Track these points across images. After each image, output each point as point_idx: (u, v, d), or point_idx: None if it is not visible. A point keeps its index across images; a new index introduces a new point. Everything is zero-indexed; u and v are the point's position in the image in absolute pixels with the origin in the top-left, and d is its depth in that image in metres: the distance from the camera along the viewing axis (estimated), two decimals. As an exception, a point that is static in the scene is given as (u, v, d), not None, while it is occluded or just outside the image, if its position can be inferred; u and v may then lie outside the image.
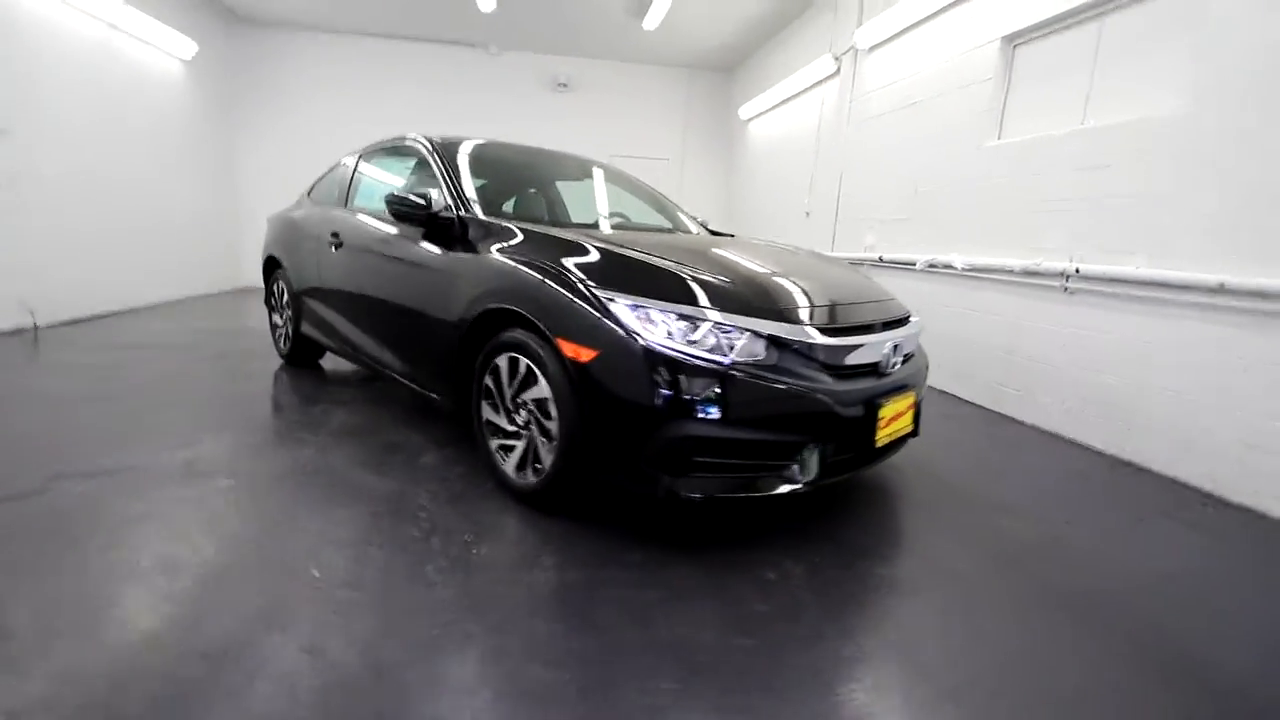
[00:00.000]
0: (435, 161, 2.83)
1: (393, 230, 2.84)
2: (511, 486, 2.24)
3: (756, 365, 1.84)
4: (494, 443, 2.31)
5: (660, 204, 3.55)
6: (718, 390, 1.79)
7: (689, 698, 1.36)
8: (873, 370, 2.09)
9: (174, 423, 2.87)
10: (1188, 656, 1.61)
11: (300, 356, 4.04)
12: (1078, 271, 3.26)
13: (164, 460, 2.43)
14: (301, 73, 8.45)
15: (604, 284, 1.94)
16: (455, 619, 1.57)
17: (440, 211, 2.54)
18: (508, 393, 2.21)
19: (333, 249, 3.31)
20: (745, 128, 8.66)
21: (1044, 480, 2.85)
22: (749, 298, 1.95)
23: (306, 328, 3.78)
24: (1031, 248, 3.63)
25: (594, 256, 2.10)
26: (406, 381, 2.81)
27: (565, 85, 8.88)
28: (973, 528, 2.29)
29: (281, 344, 4.16)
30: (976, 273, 4.01)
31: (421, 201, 2.52)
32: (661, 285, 1.93)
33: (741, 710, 1.33)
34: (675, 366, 1.78)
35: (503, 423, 2.26)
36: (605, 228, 3.03)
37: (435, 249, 2.55)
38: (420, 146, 2.97)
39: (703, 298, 1.90)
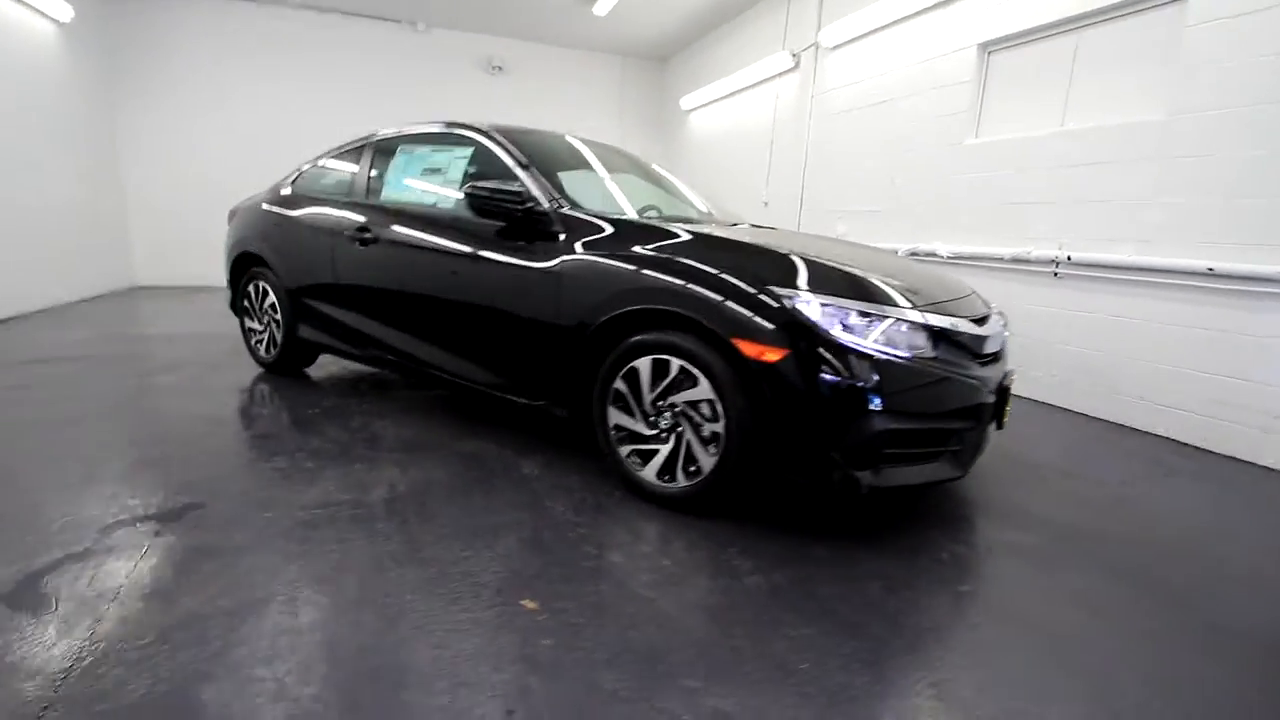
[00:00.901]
0: (508, 153, 2.63)
1: (460, 226, 2.63)
2: (651, 492, 2.17)
3: (926, 357, 1.93)
4: (626, 449, 2.23)
5: (680, 193, 3.51)
6: (903, 382, 1.86)
7: (1006, 688, 1.43)
8: (995, 357, 2.25)
9: (173, 459, 2.47)
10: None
11: (289, 363, 3.61)
12: (1069, 259, 3.69)
13: (235, 507, 2.10)
14: (198, 44, 7.39)
15: (782, 283, 1.93)
16: (719, 638, 1.52)
17: (535, 207, 2.39)
18: (647, 397, 2.14)
19: (357, 245, 2.97)
20: (686, 118, 8.76)
21: (1059, 443, 3.23)
22: (907, 292, 2.02)
23: (306, 331, 3.37)
24: (1017, 237, 4.04)
25: (755, 255, 2.08)
26: (486, 389, 2.61)
27: (500, 68, 8.47)
28: (1053, 492, 2.55)
29: (264, 350, 3.68)
30: (962, 260, 4.40)
31: (518, 196, 2.35)
32: (835, 283, 1.95)
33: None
34: (865, 361, 1.82)
35: (639, 428, 2.18)
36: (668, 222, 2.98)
37: (526, 246, 2.40)
38: (478, 137, 2.75)
39: (876, 294, 1.95)
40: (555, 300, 2.30)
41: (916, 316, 1.94)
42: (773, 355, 1.86)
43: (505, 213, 2.40)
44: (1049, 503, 2.44)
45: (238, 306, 3.84)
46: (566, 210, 2.41)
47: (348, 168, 3.33)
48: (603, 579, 1.73)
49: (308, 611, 1.52)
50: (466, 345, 2.67)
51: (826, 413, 1.83)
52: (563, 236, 2.33)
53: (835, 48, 5.65)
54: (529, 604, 1.60)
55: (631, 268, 2.15)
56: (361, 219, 3.01)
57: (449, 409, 3.19)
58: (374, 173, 3.14)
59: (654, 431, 2.15)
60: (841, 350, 1.82)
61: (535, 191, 2.44)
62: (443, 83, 8.36)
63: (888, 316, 1.90)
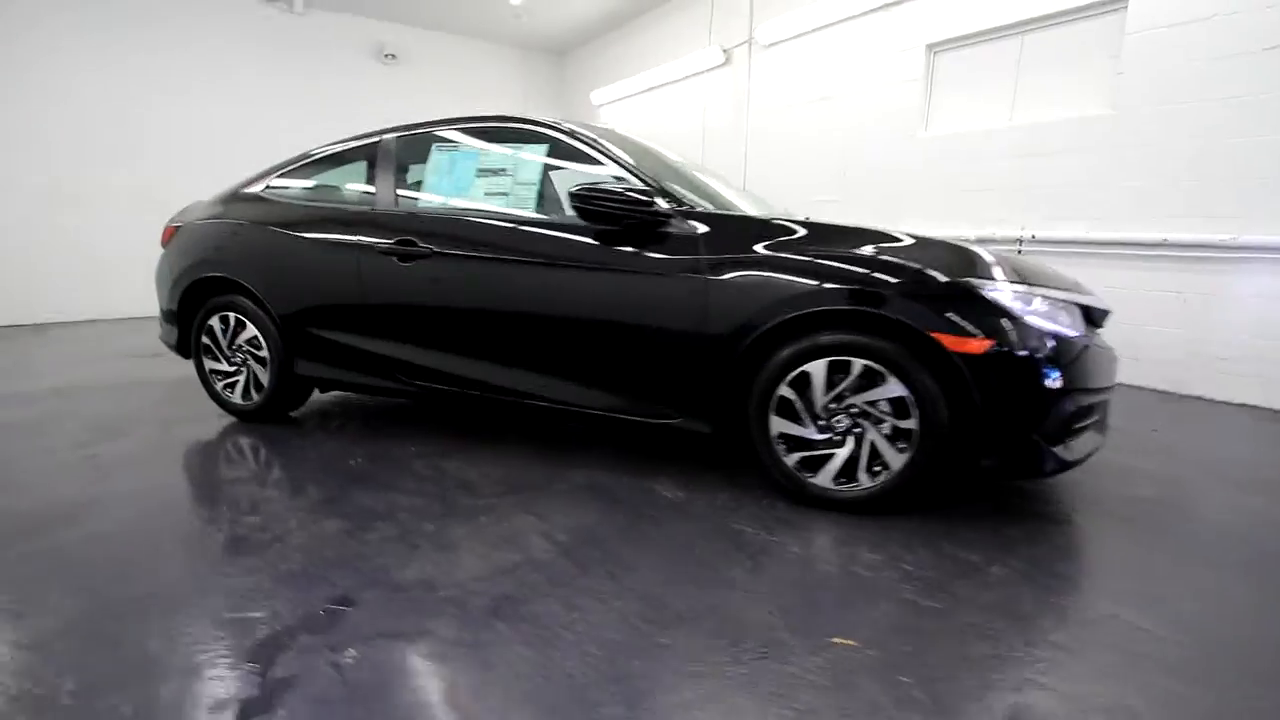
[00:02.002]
0: (600, 150, 2.39)
1: (553, 234, 2.34)
2: (824, 498, 2.10)
3: (1085, 334, 2.06)
4: (794, 457, 2.12)
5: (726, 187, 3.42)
6: (1081, 359, 1.96)
7: None
8: None
9: (251, 547, 1.94)
10: None
11: (278, 407, 2.99)
12: (1033, 237, 4.16)
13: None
14: (38, 22, 5.82)
15: (972, 273, 1.93)
16: (1051, 659, 1.50)
17: (660, 209, 2.18)
18: (820, 400, 2.06)
19: (395, 260, 2.52)
20: (596, 113, 8.58)
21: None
22: (1051, 277, 2.14)
23: (308, 366, 2.81)
24: (972, 222, 4.48)
25: (927, 247, 2.04)
26: (601, 412, 2.34)
27: (394, 57, 7.66)
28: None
29: (239, 395, 3.00)
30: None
31: (645, 198, 2.13)
32: (1012, 270, 2.00)
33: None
34: (1056, 342, 1.90)
35: (808, 434, 2.09)
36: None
37: (643, 251, 2.19)
38: (555, 133, 2.46)
39: (1044, 278, 2.04)
40: (703, 308, 2.12)
41: (1075, 297, 2.07)
42: (977, 346, 1.87)
43: (623, 216, 2.17)
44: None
45: (190, 347, 3.10)
46: (698, 210, 2.24)
47: (358, 171, 2.80)
48: (878, 596, 1.64)
49: (644, 705, 1.26)
50: (574, 367, 2.38)
51: (1032, 395, 1.88)
52: (700, 238, 2.17)
53: (773, 45, 5.85)
54: (843, 641, 1.47)
55: (805, 269, 2.04)
56: (401, 231, 2.55)
57: (494, 437, 2.84)
58: (403, 176, 2.68)
59: (825, 436, 2.09)
60: (1038, 334, 1.89)
61: (641, 191, 2.22)
62: (329, 73, 7.39)
63: (1059, 299, 2.00)
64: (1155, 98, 3.59)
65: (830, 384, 2.03)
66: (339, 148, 2.91)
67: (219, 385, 3.07)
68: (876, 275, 1.96)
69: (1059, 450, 1.95)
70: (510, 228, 2.41)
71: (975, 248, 2.06)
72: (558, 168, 2.47)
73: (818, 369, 2.04)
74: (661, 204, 2.19)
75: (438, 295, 2.51)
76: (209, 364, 3.07)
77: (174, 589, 1.66)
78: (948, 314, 1.89)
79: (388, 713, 1.23)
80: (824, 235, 2.12)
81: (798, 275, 2.03)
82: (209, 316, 2.99)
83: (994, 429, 1.92)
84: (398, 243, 2.53)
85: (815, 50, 5.52)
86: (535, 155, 2.47)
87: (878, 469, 2.04)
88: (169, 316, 3.15)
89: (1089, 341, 2.02)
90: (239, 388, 3.01)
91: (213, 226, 2.99)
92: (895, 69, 4.89)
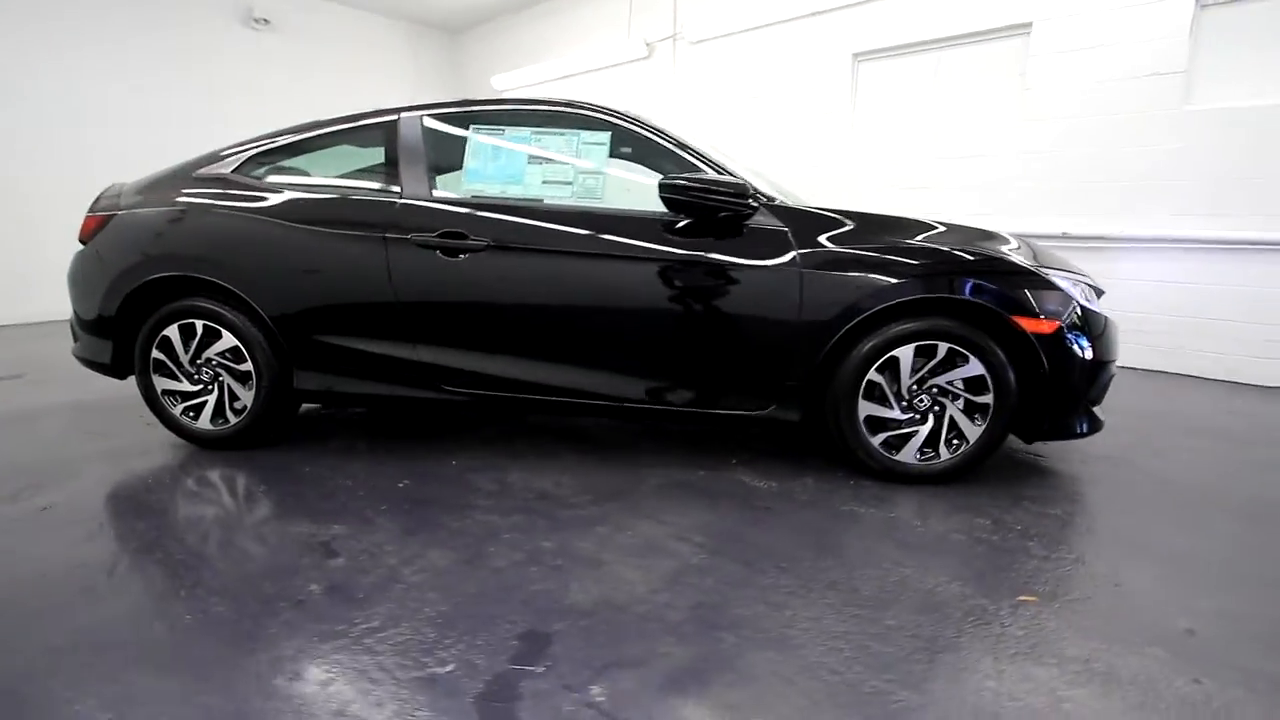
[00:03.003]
0: (673, 142, 2.31)
1: (627, 225, 2.24)
2: (906, 473, 2.25)
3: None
4: (878, 438, 2.25)
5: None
6: (1110, 334, 2.30)
7: None
8: None
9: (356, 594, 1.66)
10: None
11: (260, 431, 2.52)
12: (955, 231, 4.72)
13: None
14: None
15: (1038, 262, 2.18)
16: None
17: (750, 200, 2.17)
18: (905, 383, 2.20)
19: (438, 254, 2.24)
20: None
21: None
22: (1068, 261, 2.47)
23: (311, 379, 2.42)
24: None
25: (988, 238, 2.27)
26: (682, 408, 2.29)
27: (266, 22, 6.64)
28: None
29: (210, 420, 2.47)
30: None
31: (737, 190, 2.11)
32: (1057, 259, 2.28)
33: None
34: (1099, 320, 2.22)
35: (893, 414, 2.23)
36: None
37: (727, 242, 2.19)
38: (619, 121, 2.34)
39: (1071, 265, 2.35)
40: (798, 299, 2.17)
41: (1090, 279, 2.41)
42: (1048, 326, 2.12)
43: (718, 208, 2.13)
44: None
45: (130, 364, 2.49)
46: (780, 202, 2.26)
47: (370, 153, 2.43)
48: (1015, 558, 1.81)
49: (925, 687, 1.28)
50: (659, 364, 2.30)
51: (1085, 366, 2.18)
52: (789, 231, 2.20)
53: (700, 42, 5.98)
54: (1028, 598, 1.61)
55: (894, 259, 2.16)
56: (446, 222, 2.27)
57: (529, 445, 2.66)
58: (436, 159, 2.37)
59: (908, 416, 2.24)
60: (1089, 314, 2.19)
61: (724, 183, 2.20)
62: (184, 36, 6.25)
63: (1089, 282, 2.32)
64: (1056, 112, 4.26)
65: (914, 367, 2.20)
66: (337, 125, 2.50)
67: (177, 409, 2.51)
68: (963, 264, 2.14)
69: (1097, 412, 2.29)
70: (584, 219, 2.26)
71: (1012, 236, 2.34)
72: (623, 156, 2.36)
73: (906, 354, 2.18)
74: (755, 196, 2.19)
75: (497, 293, 2.28)
76: (162, 384, 2.49)
77: (320, 658, 1.37)
78: (1023, 299, 2.12)
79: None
80: (898, 226, 2.26)
81: (888, 266, 2.16)
82: (163, 325, 2.43)
83: (1056, 399, 2.20)
84: (443, 235, 2.26)
85: (745, 51, 5.75)
86: (598, 142, 2.33)
87: (956, 441, 2.25)
88: (97, 327, 2.50)
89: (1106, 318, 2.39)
90: (207, 410, 2.49)
91: (168, 215, 2.42)
92: (823, 73, 5.26)
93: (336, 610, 1.52)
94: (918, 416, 2.24)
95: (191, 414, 2.52)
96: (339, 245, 2.33)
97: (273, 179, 2.51)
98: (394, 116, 2.45)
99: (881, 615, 1.53)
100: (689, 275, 2.22)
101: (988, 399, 2.18)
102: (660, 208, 2.26)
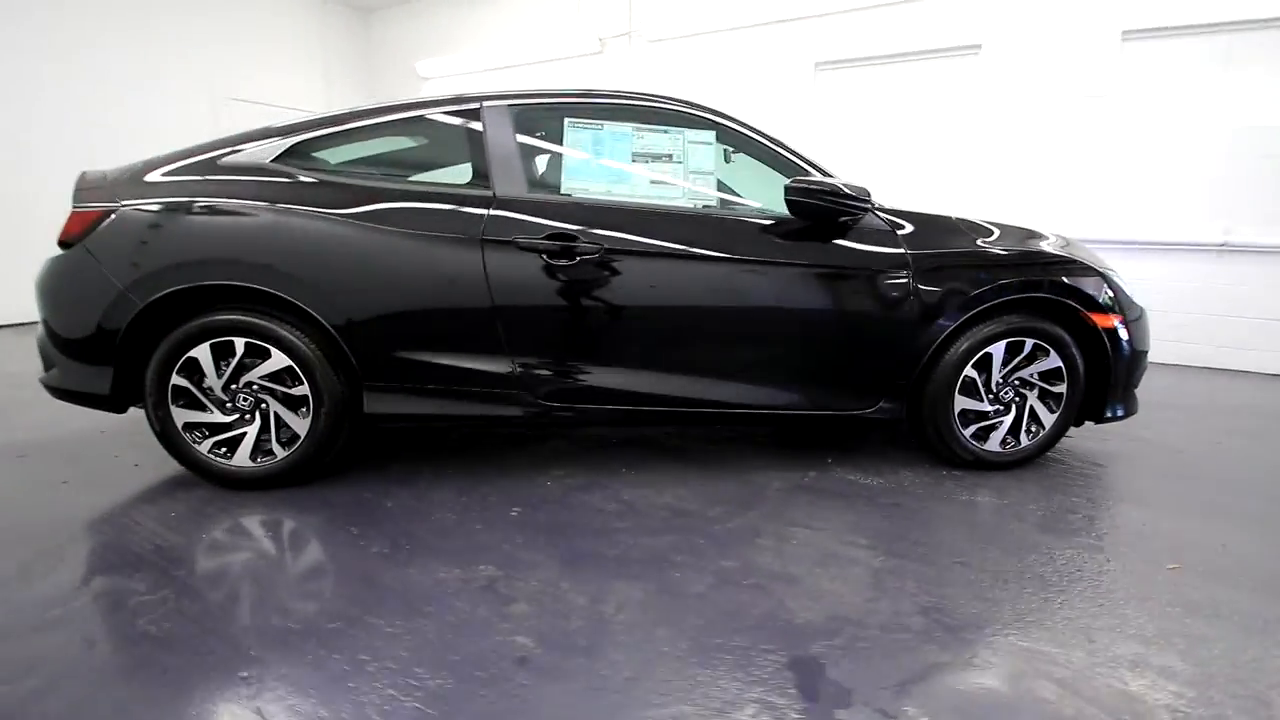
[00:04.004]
0: (773, 144, 2.30)
1: (745, 229, 2.21)
2: (991, 461, 2.42)
3: None
4: (969, 430, 2.38)
5: None
6: (1145, 323, 2.59)
7: None
8: None
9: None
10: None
11: (318, 464, 2.14)
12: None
13: None
14: None
15: (1098, 263, 2.40)
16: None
17: (865, 205, 2.20)
18: (995, 377, 2.35)
19: (544, 260, 2.03)
20: (422, 85, 7.56)
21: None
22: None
23: (386, 401, 2.11)
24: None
25: (1036, 237, 2.47)
26: (795, 411, 2.29)
27: (149, -16, 5.62)
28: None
29: (254, 454, 2.07)
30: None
31: (861, 196, 2.14)
32: (1096, 256, 2.53)
33: None
34: (1140, 313, 2.50)
35: (983, 407, 2.38)
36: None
37: (834, 246, 2.23)
38: (724, 121, 2.28)
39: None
40: (913, 299, 2.23)
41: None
42: (1114, 321, 2.37)
43: (840, 211, 2.14)
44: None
45: (149, 392, 2.01)
46: (886, 206, 2.31)
47: (449, 145, 2.15)
48: (1133, 529, 2.01)
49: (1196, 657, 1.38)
50: (777, 369, 2.27)
51: (1136, 355, 2.45)
52: (900, 234, 2.26)
53: (658, 41, 5.95)
54: (1174, 566, 1.79)
55: (990, 261, 2.30)
56: (554, 222, 2.07)
57: (607, 457, 2.53)
58: (529, 155, 2.14)
59: (995, 408, 2.40)
60: (1136, 308, 2.47)
61: (849, 188, 2.21)
62: (53, 7, 5.12)
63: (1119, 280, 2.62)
64: (1007, 126, 4.75)
65: (1003, 362, 2.36)
66: (399, 114, 2.18)
67: (203, 446, 2.07)
68: (1049, 265, 2.33)
69: (1137, 395, 2.59)
70: (700, 221, 2.17)
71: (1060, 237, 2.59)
72: (729, 156, 2.29)
73: (998, 350, 2.33)
74: (870, 200, 2.23)
75: (611, 299, 2.12)
76: (183, 416, 2.04)
77: None
78: (1093, 296, 2.35)
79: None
80: (979, 228, 2.40)
81: (989, 266, 2.29)
82: (188, 345, 1.99)
83: (1110, 385, 2.46)
84: (549, 237, 2.06)
85: (705, 53, 5.80)
86: (705, 141, 2.24)
87: (1033, 429, 2.44)
88: (90, 349, 1.99)
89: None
90: (245, 445, 2.08)
91: (198, 211, 1.98)
92: (784, 82, 5.46)
93: (574, 664, 1.35)
94: (1002, 408, 2.42)
95: (222, 450, 2.09)
96: (426, 249, 2.04)
97: (331, 171, 2.16)
98: (474, 105, 2.18)
99: (1073, 593, 1.64)
100: (814, 279, 2.22)
101: (1061, 389, 2.39)
102: (771, 209, 2.25)
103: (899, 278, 2.24)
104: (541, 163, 2.27)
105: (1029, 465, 2.48)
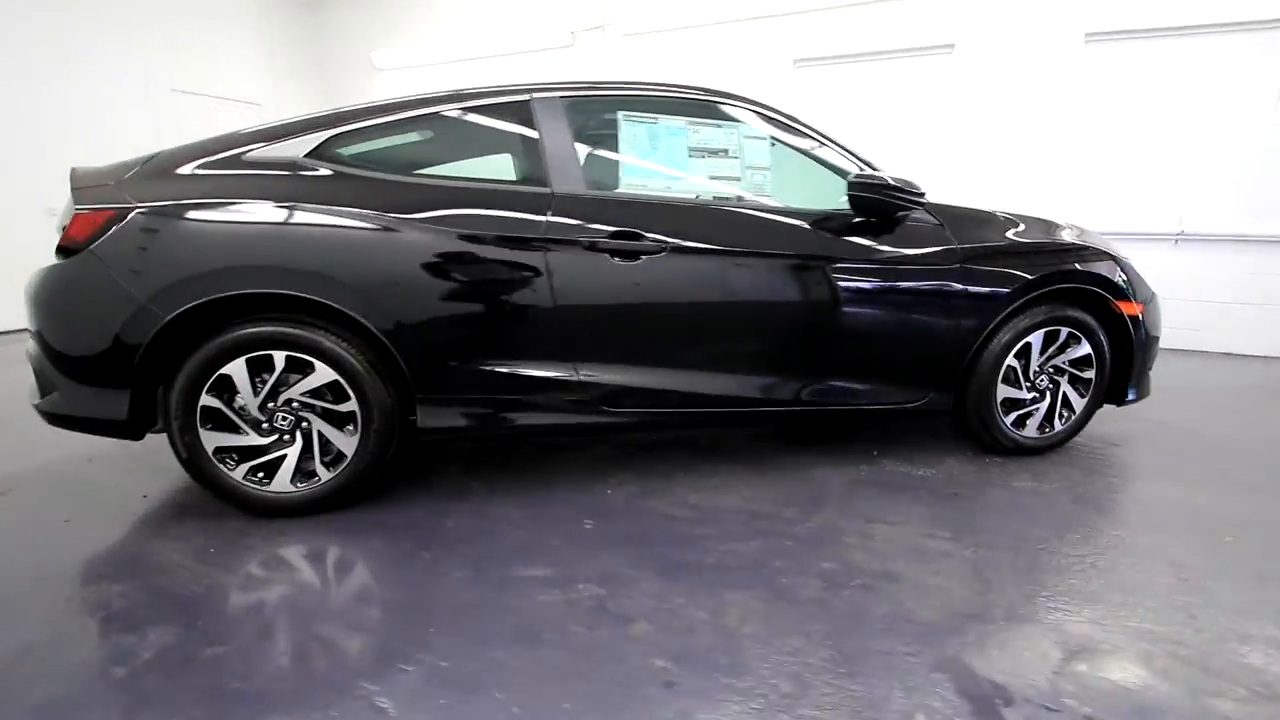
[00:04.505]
0: (824, 140, 2.28)
1: (797, 223, 2.19)
2: (1028, 448, 2.50)
3: None
4: (1010, 417, 2.45)
5: None
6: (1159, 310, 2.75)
7: None
8: None
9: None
10: None
11: (364, 485, 1.97)
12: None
13: None
14: None
15: (1116, 252, 2.50)
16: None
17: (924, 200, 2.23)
18: (1034, 364, 2.43)
19: (608, 258, 1.95)
20: (375, 78, 7.18)
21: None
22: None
23: (439, 414, 1.96)
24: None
25: (1083, 232, 2.57)
26: (849, 407, 2.29)
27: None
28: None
29: (295, 479, 1.89)
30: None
31: (915, 191, 2.16)
32: (1110, 244, 2.64)
33: None
34: (1153, 298, 2.64)
35: (1022, 395, 2.45)
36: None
37: (886, 239, 2.25)
38: (775, 114, 2.24)
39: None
40: (964, 291, 2.27)
41: None
42: (1137, 309, 2.48)
43: (899, 206, 2.15)
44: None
45: (173, 415, 1.79)
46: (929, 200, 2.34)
47: (497, 138, 2.00)
48: (1168, 504, 2.12)
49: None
50: (842, 364, 2.26)
51: (1153, 340, 2.59)
52: (946, 229, 2.29)
53: (633, 35, 5.86)
54: (1230, 537, 1.89)
55: (1029, 253, 2.37)
56: (615, 220, 1.98)
57: (655, 454, 2.47)
58: (583, 150, 2.02)
59: (1032, 395, 2.48)
60: (1151, 294, 2.60)
61: (905, 182, 2.22)
62: None
63: None
64: (979, 123, 4.94)
65: (1041, 351, 2.44)
66: (441, 106, 2.02)
67: (238, 472, 1.87)
68: (1082, 256, 2.42)
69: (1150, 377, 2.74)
70: (763, 219, 2.13)
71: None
72: (784, 151, 2.25)
73: (1037, 339, 2.41)
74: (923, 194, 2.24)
75: (676, 299, 2.05)
76: (214, 440, 1.83)
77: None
78: (1120, 285, 2.46)
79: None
80: (1017, 223, 2.47)
81: (1030, 257, 2.36)
82: (221, 361, 1.78)
83: (1129, 370, 2.58)
84: (614, 237, 1.97)
85: (682, 49, 5.75)
86: (760, 136, 2.19)
87: (1065, 413, 2.54)
88: (103, 369, 1.75)
89: None
90: (286, 468, 1.89)
91: (230, 211, 1.76)
92: (763, 78, 5.49)
93: (723, 684, 1.28)
94: (1038, 395, 2.50)
95: (259, 475, 1.89)
96: (485, 251, 1.91)
97: (369, 166, 1.98)
98: (524, 97, 2.05)
99: (1153, 571, 1.70)
100: (875, 274, 2.22)
101: (1090, 374, 2.50)
102: (826, 205, 2.24)
103: (952, 270, 2.28)
104: (596, 158, 2.17)
105: (1060, 449, 2.59)
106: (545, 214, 1.96)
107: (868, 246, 2.23)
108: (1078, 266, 2.39)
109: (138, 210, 1.76)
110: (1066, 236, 2.53)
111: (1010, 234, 2.42)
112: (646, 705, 1.23)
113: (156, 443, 2.05)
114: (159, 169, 1.86)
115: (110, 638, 1.42)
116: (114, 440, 1.96)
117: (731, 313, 2.13)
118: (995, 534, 1.92)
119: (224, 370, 1.80)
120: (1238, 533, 1.93)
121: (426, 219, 1.90)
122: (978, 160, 5.00)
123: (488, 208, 1.95)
